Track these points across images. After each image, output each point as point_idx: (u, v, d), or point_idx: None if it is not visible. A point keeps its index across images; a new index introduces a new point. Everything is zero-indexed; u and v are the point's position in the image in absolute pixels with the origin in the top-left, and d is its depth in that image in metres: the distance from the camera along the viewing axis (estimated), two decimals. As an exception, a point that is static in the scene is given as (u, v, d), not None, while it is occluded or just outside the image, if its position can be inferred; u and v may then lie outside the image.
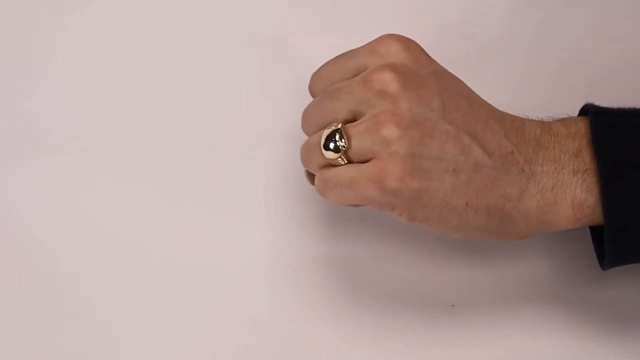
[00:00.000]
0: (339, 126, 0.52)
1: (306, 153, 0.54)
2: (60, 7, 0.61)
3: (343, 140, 0.51)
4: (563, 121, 0.54)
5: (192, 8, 0.62)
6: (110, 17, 0.61)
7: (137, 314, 0.58)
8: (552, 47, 0.63)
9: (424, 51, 0.53)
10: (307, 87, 0.56)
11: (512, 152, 0.52)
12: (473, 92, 0.53)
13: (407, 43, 0.52)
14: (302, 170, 0.56)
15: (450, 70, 0.53)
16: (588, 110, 0.54)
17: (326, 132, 0.52)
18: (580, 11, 0.63)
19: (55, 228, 0.61)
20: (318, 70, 0.55)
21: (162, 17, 0.62)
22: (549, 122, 0.54)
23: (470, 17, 0.62)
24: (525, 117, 0.54)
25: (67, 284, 0.59)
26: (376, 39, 0.53)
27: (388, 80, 0.51)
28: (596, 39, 0.63)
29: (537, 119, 0.54)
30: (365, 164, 0.51)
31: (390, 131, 0.50)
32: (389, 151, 0.50)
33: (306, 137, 0.55)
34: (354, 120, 0.52)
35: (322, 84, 0.54)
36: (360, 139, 0.51)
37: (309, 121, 0.54)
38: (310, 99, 0.55)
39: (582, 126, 0.53)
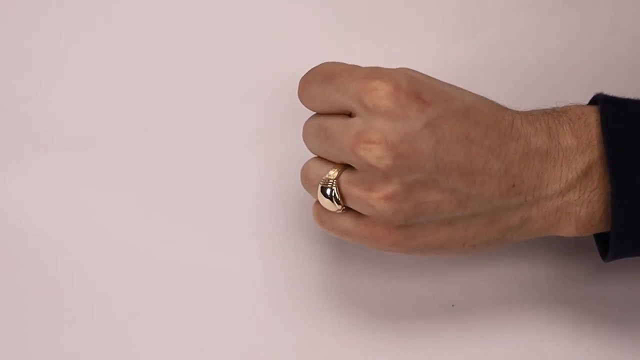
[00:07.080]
0: (335, 177, 0.51)
1: (305, 175, 0.53)
2: (60, 6, 0.61)
3: (338, 195, 0.51)
4: (572, 125, 0.52)
5: (191, 8, 0.62)
6: (110, 17, 0.61)
7: (136, 314, 0.58)
8: (553, 48, 0.63)
9: (416, 95, 0.49)
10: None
11: (513, 185, 0.51)
12: (474, 116, 0.51)
13: (395, 94, 0.49)
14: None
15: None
16: (597, 100, 0.52)
17: (321, 184, 0.51)
18: (581, 11, 0.63)
19: (54, 228, 0.61)
20: (307, 79, 0.52)
21: (161, 17, 0.62)
22: (557, 129, 0.52)
23: (471, 17, 0.62)
24: (533, 116, 0.52)
25: (65, 284, 0.59)
26: (364, 82, 0.49)
27: (379, 155, 0.49)
28: (597, 39, 0.64)
29: (548, 107, 0.53)
30: (361, 220, 0.51)
31: (382, 207, 0.49)
32: (382, 220, 0.50)
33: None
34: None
35: (312, 102, 0.52)
36: (353, 202, 0.51)
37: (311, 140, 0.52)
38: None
39: (594, 124, 0.51)
